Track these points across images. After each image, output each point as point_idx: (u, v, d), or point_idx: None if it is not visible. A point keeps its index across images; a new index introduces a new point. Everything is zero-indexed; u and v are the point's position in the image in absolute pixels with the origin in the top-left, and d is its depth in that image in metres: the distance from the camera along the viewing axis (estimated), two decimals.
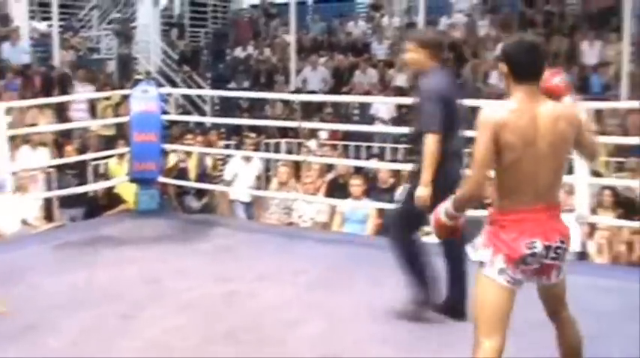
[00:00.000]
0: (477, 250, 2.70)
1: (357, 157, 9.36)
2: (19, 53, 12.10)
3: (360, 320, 4.00)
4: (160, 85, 9.65)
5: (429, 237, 4.92)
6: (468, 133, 3.56)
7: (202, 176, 7.58)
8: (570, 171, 4.97)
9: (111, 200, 7.37)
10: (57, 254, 5.48)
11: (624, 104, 8.78)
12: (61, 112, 10.14)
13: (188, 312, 4.15)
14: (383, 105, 11.05)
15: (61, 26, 13.74)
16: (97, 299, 4.32)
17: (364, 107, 11.65)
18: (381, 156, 8.92)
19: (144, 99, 6.61)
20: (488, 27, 13.10)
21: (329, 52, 14.02)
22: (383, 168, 7.11)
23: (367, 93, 11.95)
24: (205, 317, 4.08)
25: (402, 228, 4.03)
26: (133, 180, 6.71)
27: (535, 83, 2.64)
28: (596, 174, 6.21)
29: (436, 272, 3.99)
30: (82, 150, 8.41)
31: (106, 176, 7.87)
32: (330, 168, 7.84)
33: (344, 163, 7.74)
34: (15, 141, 7.33)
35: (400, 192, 5.45)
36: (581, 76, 11.08)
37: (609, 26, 11.53)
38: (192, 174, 7.57)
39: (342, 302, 4.27)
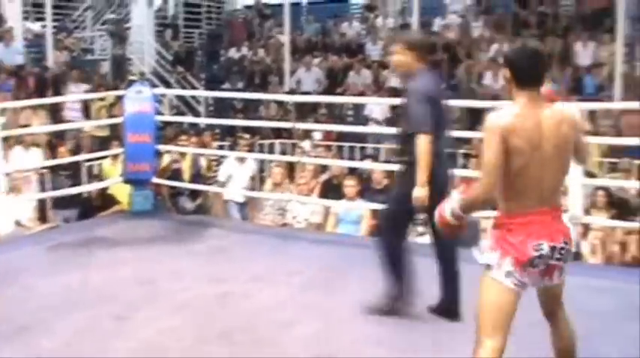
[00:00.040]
0: (483, 253, 2.71)
1: (351, 158, 9.35)
2: (13, 54, 12.06)
3: (354, 321, 4.01)
4: (154, 86, 9.65)
5: (422, 238, 4.94)
6: (455, 134, 3.57)
7: (196, 177, 7.56)
8: None
9: (105, 201, 7.34)
10: (51, 255, 5.47)
11: (618, 105, 8.83)
12: (54, 113, 10.13)
13: (182, 313, 4.15)
14: (377, 106, 11.06)
15: (54, 27, 13.69)
16: (91, 300, 4.31)
17: (358, 108, 11.66)
18: (375, 157, 8.91)
19: (138, 100, 6.61)
20: (482, 28, 13.11)
21: (323, 53, 14.00)
22: (377, 168, 7.10)
23: (361, 94, 11.96)
24: (200, 317, 4.08)
25: (388, 228, 4.07)
26: (126, 181, 6.71)
27: (537, 88, 2.70)
28: (589, 174, 6.23)
29: (413, 274, 4.02)
30: (75, 150, 8.40)
31: (99, 177, 7.84)
32: (324, 168, 7.82)
33: (338, 164, 7.75)
34: (8, 142, 7.32)
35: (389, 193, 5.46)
36: (575, 77, 11.12)
37: (603, 27, 11.56)
38: (187, 174, 7.55)
39: (336, 303, 4.28)
